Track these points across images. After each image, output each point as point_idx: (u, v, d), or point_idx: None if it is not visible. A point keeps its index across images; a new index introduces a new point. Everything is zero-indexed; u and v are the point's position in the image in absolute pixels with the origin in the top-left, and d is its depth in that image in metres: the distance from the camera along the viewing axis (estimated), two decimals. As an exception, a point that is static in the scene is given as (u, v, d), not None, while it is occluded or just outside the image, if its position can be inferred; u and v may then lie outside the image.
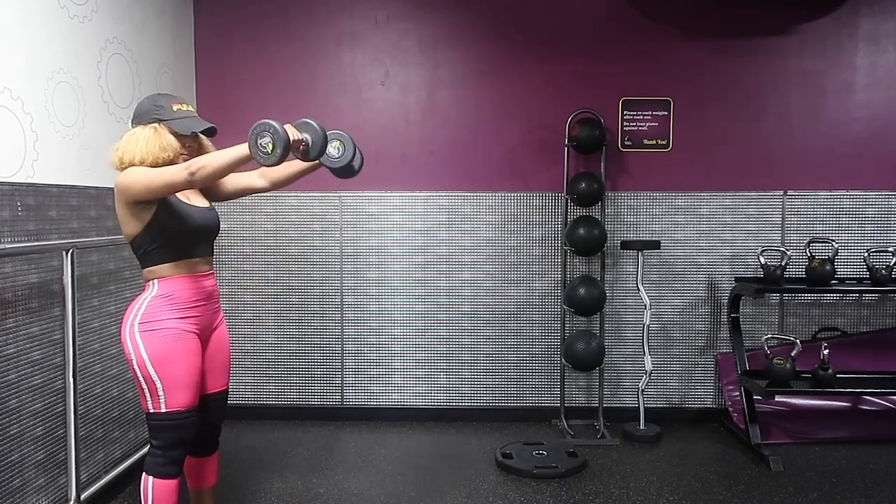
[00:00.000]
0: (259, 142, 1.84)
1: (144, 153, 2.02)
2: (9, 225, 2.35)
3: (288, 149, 1.86)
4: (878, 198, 3.92)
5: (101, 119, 2.95)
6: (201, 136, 2.17)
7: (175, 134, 2.07)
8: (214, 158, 1.92)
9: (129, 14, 3.20)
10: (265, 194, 3.95)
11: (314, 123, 1.98)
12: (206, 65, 3.97)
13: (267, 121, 1.84)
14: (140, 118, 2.09)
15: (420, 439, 3.76)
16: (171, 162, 2.07)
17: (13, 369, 2.38)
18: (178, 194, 2.10)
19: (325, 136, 2.00)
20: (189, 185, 1.94)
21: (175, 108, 2.09)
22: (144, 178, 1.98)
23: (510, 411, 4.03)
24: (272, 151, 1.83)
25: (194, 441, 2.19)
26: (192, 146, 2.13)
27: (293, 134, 1.91)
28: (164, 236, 2.05)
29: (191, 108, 2.14)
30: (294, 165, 2.28)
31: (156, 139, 2.04)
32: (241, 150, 1.89)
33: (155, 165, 2.03)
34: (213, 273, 2.24)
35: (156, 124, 2.06)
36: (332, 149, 2.15)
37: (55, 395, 2.60)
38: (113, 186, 2.94)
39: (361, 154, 2.27)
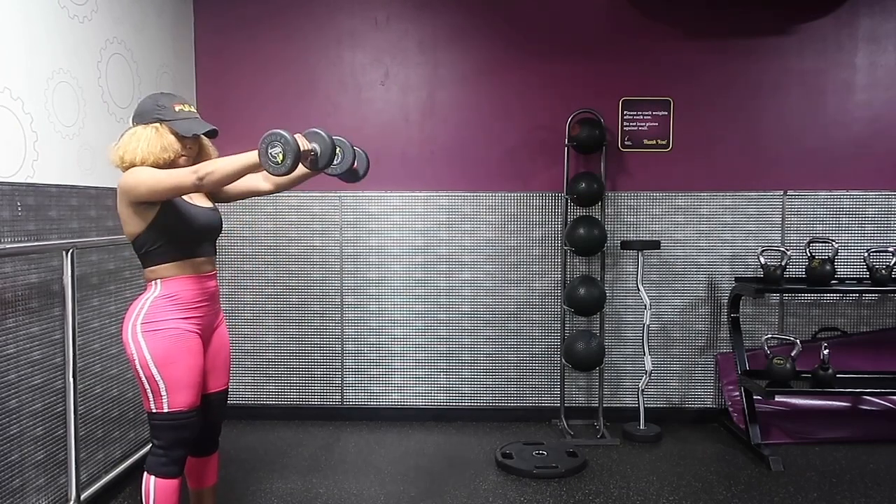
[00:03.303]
0: (270, 151, 1.83)
1: (146, 153, 2.01)
2: (9, 225, 2.35)
3: (298, 159, 1.85)
4: (878, 198, 3.92)
5: (101, 119, 2.95)
6: (203, 137, 2.17)
7: (176, 134, 2.07)
8: (223, 164, 1.92)
9: (129, 14, 3.20)
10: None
11: (323, 133, 1.97)
12: (206, 65, 3.97)
13: (278, 131, 1.83)
14: (141, 117, 2.08)
15: (420, 439, 3.76)
16: (172, 163, 2.07)
17: (13, 369, 2.38)
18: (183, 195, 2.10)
19: (334, 147, 2.00)
20: (196, 189, 1.95)
21: (177, 108, 2.09)
22: (150, 180, 1.97)
23: (510, 411, 4.03)
24: (282, 161, 1.83)
25: (195, 441, 2.19)
26: (192, 147, 2.13)
27: (303, 144, 1.90)
28: (166, 236, 2.05)
29: (192, 109, 2.14)
30: (299, 169, 2.27)
31: (157, 140, 2.03)
32: (251, 157, 1.89)
33: (156, 166, 2.04)
34: (215, 273, 2.24)
35: (157, 124, 2.05)
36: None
37: (55, 395, 2.60)
38: (113, 186, 2.96)
39: (366, 157, 2.26)
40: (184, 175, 1.93)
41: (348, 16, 3.95)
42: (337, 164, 2.14)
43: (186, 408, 2.08)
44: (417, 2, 3.94)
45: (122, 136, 2.09)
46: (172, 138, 2.06)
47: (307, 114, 3.97)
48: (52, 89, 2.59)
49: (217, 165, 1.92)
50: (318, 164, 1.99)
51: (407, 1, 3.95)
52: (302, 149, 1.88)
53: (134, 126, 2.08)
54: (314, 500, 2.98)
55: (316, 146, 1.96)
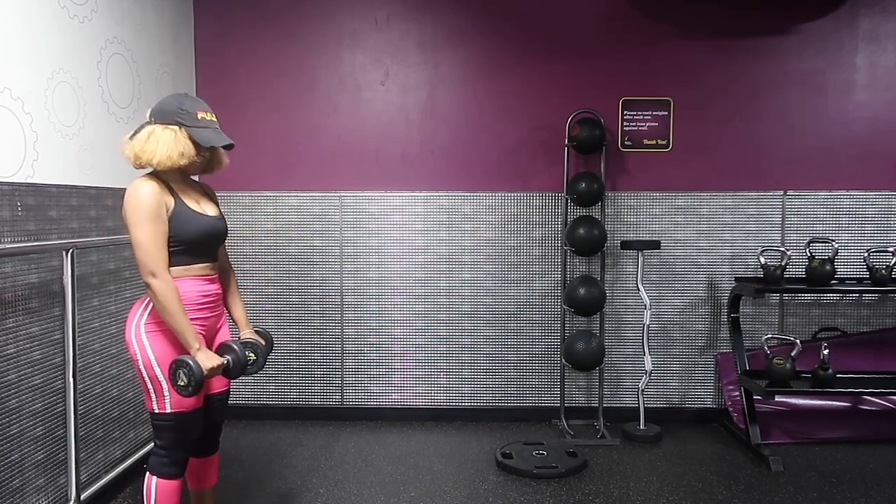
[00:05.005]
0: (178, 372, 1.95)
1: (163, 157, 2.01)
2: (9, 225, 2.35)
3: (201, 387, 1.96)
4: (878, 198, 3.92)
5: (102, 119, 2.95)
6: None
7: (193, 141, 2.07)
8: (170, 308, 1.97)
9: (129, 14, 3.19)
10: (266, 193, 3.98)
11: (236, 348, 2.12)
12: (206, 65, 3.97)
13: (187, 360, 1.93)
14: (162, 115, 2.06)
15: (420, 439, 3.76)
16: (185, 167, 2.08)
17: (13, 369, 2.38)
18: (190, 202, 2.11)
19: (246, 362, 2.14)
20: (143, 276, 1.99)
21: (199, 116, 2.07)
22: (136, 233, 1.99)
23: (510, 411, 4.03)
24: (185, 387, 1.95)
25: (196, 442, 2.19)
26: (205, 154, 2.14)
27: (209, 367, 1.98)
28: (171, 243, 2.05)
29: (214, 119, 2.13)
30: (235, 313, 2.35)
31: (176, 145, 2.02)
32: (182, 333, 1.98)
33: (171, 168, 2.04)
34: (217, 277, 2.24)
35: (176, 128, 2.04)
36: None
37: (55, 395, 2.60)
38: (113, 186, 2.97)
39: (271, 346, 2.35)
40: (144, 266, 1.98)
41: (348, 16, 3.95)
42: (252, 368, 2.21)
43: (189, 408, 2.09)
44: (417, 2, 3.94)
45: (138, 130, 2.07)
46: (190, 144, 2.05)
47: (307, 114, 3.97)
48: (52, 89, 2.59)
49: (167, 301, 1.97)
50: (229, 375, 2.13)
51: (407, 1, 3.95)
52: (208, 371, 1.98)
53: (153, 123, 2.06)
54: (314, 501, 2.98)
55: (228, 359, 2.09)
